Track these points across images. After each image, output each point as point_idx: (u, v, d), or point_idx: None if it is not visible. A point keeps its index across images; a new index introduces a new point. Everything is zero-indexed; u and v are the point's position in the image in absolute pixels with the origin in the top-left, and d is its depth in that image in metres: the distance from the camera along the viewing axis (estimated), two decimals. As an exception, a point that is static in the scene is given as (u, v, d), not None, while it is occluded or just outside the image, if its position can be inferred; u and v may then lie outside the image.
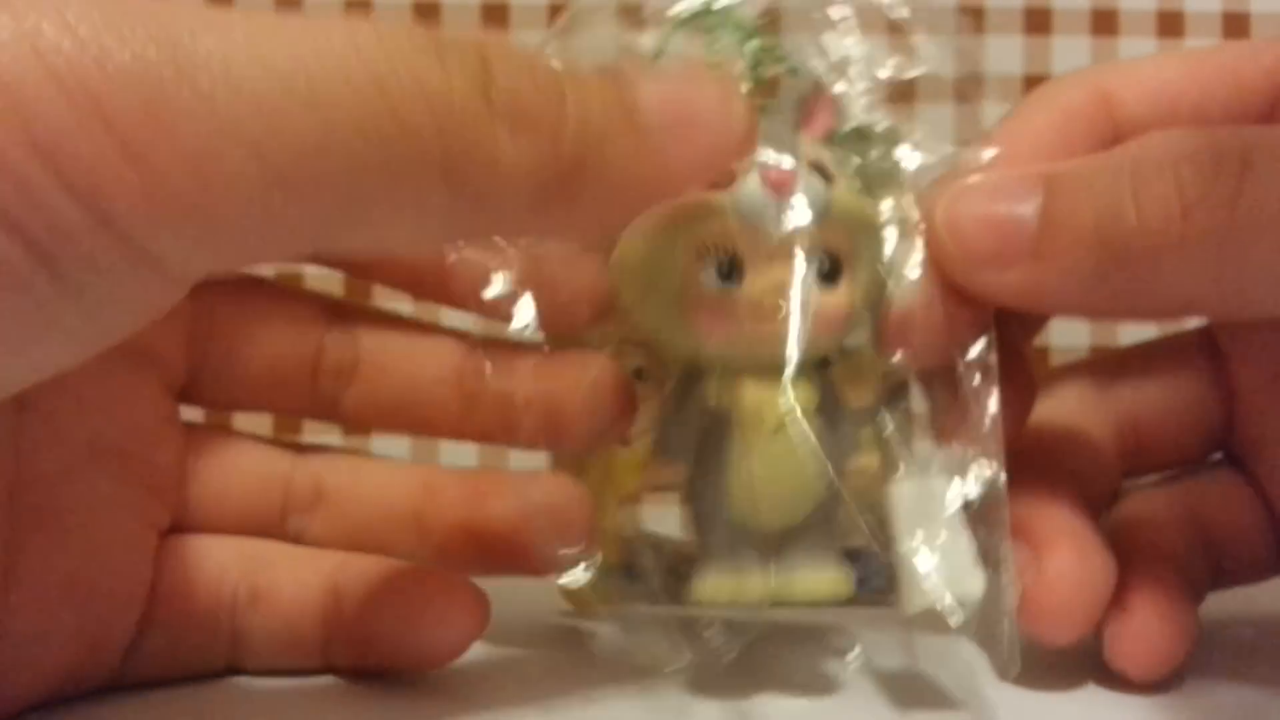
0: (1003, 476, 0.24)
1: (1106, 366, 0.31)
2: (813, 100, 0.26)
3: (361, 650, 0.26)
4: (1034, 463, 0.26)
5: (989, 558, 0.24)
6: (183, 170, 0.18)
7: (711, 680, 0.25)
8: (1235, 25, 0.42)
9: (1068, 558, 0.25)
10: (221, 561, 0.26)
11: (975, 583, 0.24)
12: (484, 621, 0.26)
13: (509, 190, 0.20)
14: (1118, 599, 0.26)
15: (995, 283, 0.24)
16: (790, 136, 0.25)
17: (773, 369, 0.24)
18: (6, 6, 0.17)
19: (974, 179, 0.25)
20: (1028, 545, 0.25)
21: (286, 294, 0.28)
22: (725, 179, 0.24)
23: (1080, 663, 0.26)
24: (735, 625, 0.25)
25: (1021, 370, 0.27)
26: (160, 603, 0.26)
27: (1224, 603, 0.29)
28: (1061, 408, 0.29)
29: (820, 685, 0.26)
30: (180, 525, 0.27)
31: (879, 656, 0.26)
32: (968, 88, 0.35)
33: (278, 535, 0.27)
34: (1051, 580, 0.25)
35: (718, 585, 0.25)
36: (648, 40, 0.25)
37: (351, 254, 0.27)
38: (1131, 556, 0.27)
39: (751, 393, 0.24)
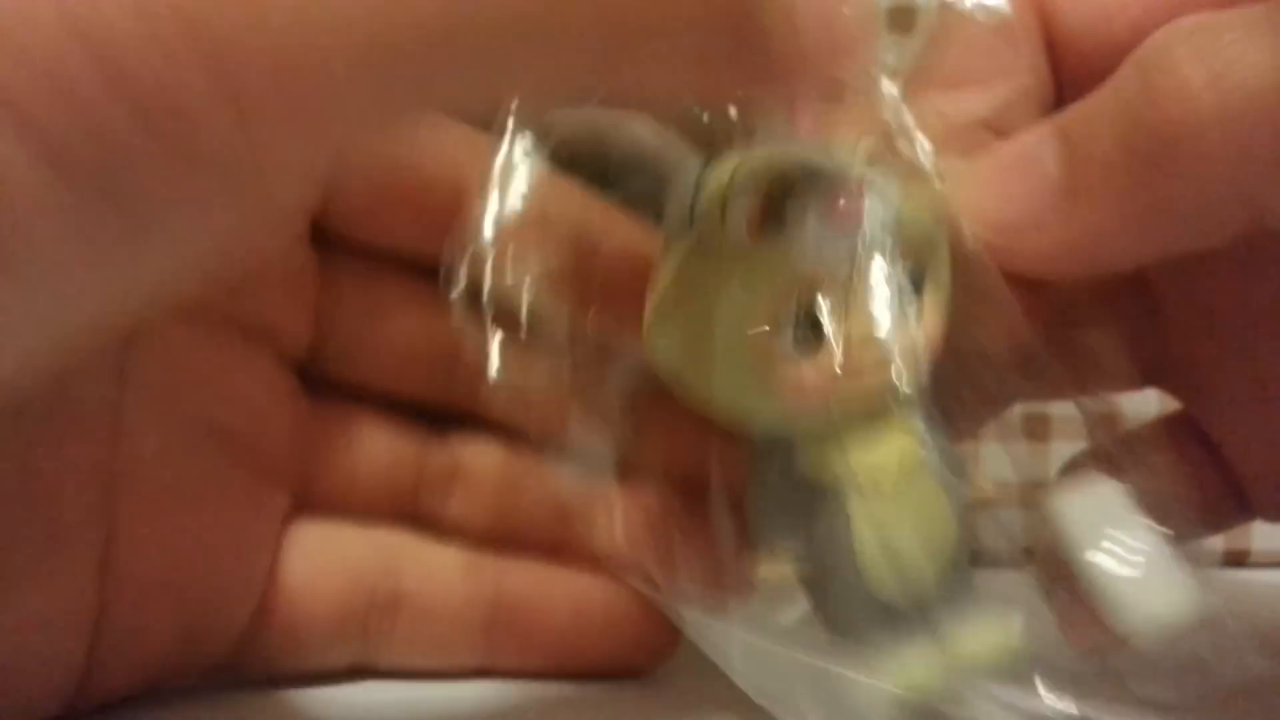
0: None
1: None
2: None
3: (538, 659, 0.26)
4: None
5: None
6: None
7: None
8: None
9: None
10: (355, 558, 0.25)
11: (1186, 583, 0.21)
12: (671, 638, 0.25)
13: (668, 35, 0.18)
14: None
15: (1038, 247, 0.22)
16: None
17: (868, 421, 0.21)
18: None
19: (982, 157, 0.23)
20: None
21: (420, 278, 0.25)
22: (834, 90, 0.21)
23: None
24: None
25: None
26: (281, 595, 0.24)
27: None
28: None
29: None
30: (306, 507, 0.25)
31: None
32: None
33: (409, 517, 0.26)
34: None
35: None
36: None
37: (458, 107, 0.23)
38: None
39: (858, 456, 0.21)
